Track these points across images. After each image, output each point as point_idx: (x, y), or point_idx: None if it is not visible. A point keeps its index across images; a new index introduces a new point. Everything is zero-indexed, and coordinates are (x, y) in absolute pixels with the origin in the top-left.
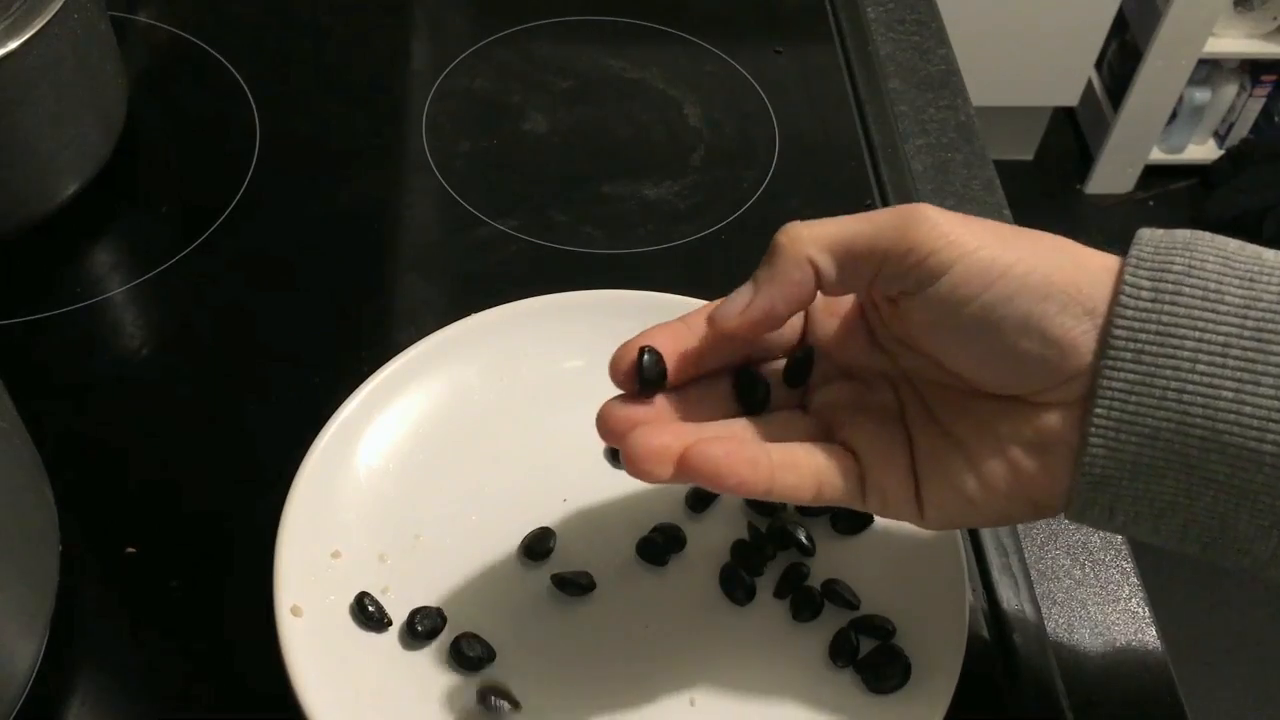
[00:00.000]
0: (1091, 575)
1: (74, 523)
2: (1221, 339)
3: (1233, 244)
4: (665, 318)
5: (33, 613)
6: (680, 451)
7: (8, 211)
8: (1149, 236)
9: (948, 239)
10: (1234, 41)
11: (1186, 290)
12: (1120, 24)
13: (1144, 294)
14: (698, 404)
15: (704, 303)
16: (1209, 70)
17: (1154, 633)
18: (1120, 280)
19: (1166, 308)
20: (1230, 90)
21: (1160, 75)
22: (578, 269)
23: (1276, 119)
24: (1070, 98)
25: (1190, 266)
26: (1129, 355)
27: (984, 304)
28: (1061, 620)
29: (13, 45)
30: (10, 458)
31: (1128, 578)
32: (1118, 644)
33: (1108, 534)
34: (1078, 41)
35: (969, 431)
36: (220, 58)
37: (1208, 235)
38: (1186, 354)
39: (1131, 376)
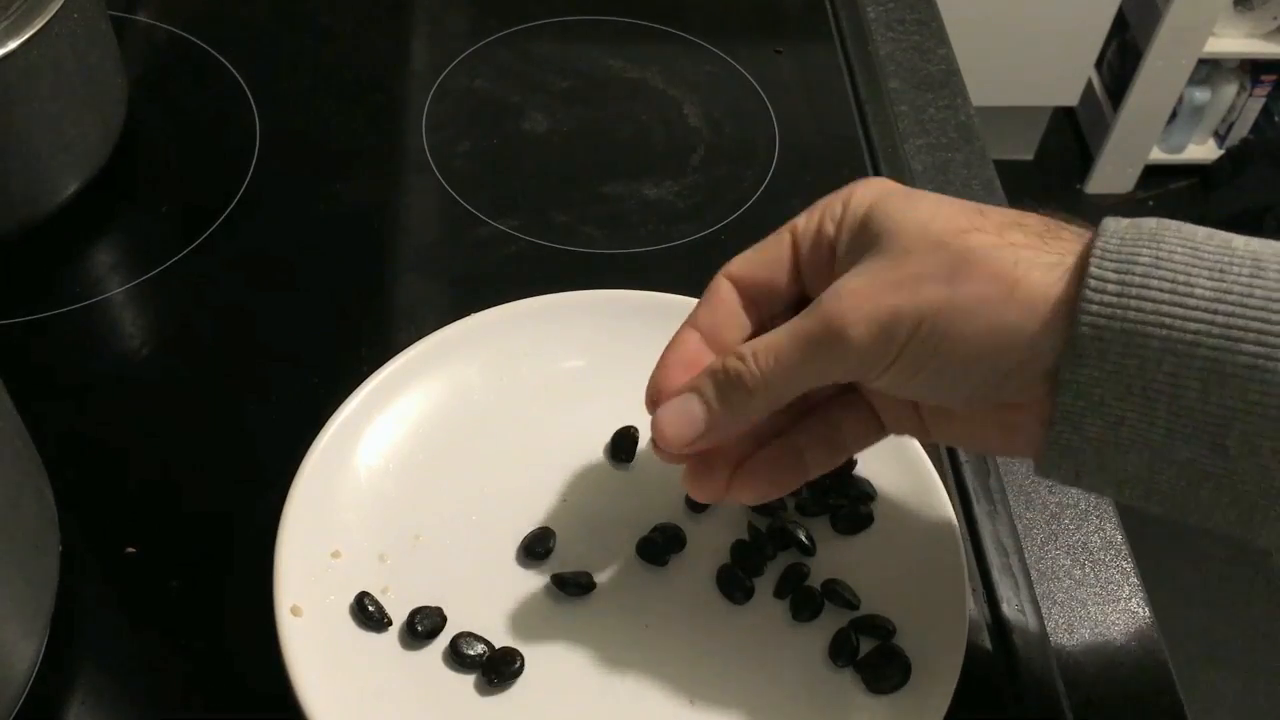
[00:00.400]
0: (1091, 575)
1: (74, 523)
2: (1190, 338)
3: (1201, 233)
4: (665, 318)
5: (33, 613)
6: (727, 481)
7: (8, 211)
8: (1114, 228)
9: (876, 356)
10: (1234, 41)
11: (1154, 284)
12: (1120, 24)
13: (1110, 288)
14: None
15: None
16: (1209, 70)
17: (1154, 633)
18: (1084, 273)
19: (1133, 302)
20: (1230, 90)
21: (1160, 75)
22: (578, 269)
23: (1276, 119)
24: (1070, 98)
25: (1158, 259)
26: (1094, 353)
27: (920, 382)
28: (1061, 620)
29: (13, 45)
30: (10, 458)
31: (1128, 578)
32: (1118, 644)
33: (1108, 534)
34: (1078, 41)
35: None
36: (220, 58)
37: (1174, 225)
38: (1152, 353)
39: (1096, 373)
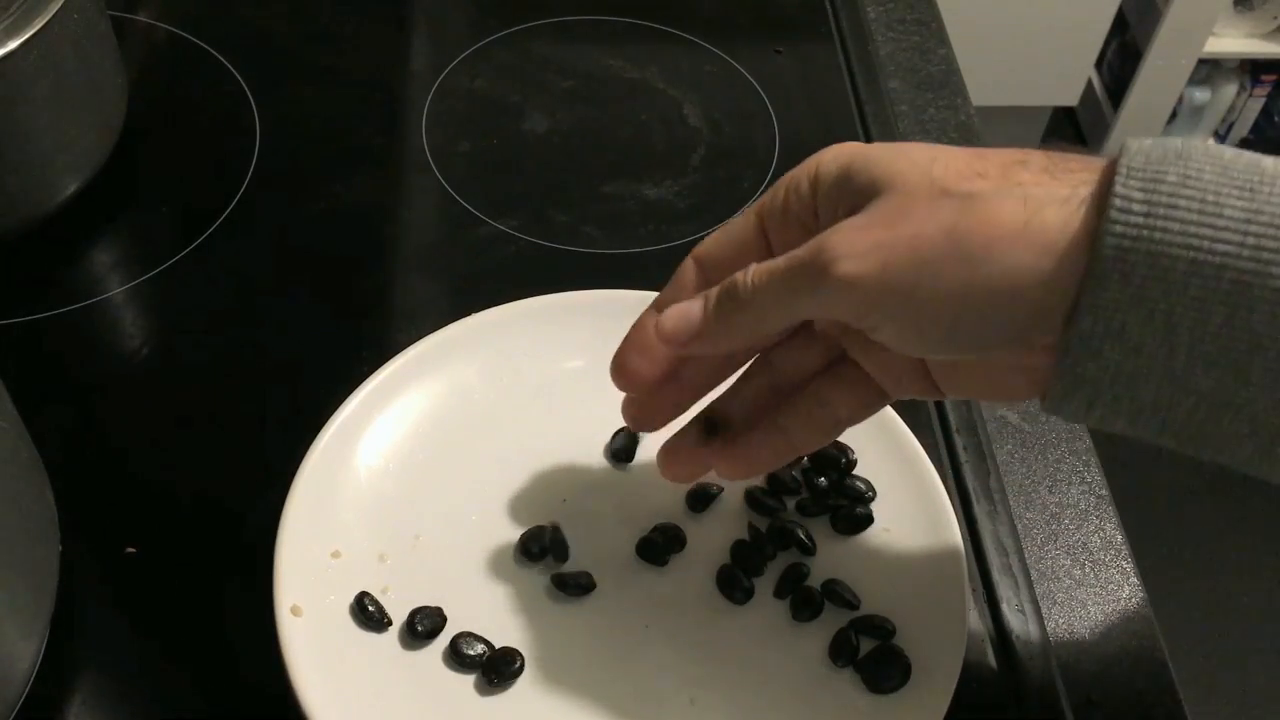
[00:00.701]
0: (1091, 575)
1: (74, 523)
2: (1218, 260)
3: (1229, 152)
4: None
5: (33, 613)
6: (702, 461)
7: (8, 211)
8: (1138, 146)
9: (867, 296)
10: (1234, 41)
11: (1182, 204)
12: (1120, 24)
13: (1135, 208)
14: (715, 369)
15: None
16: (1209, 70)
17: (1154, 633)
18: (1106, 198)
19: (1160, 223)
20: (1230, 90)
21: (1160, 75)
22: (578, 269)
23: (1276, 119)
24: (1070, 98)
25: (1185, 177)
26: (1116, 276)
27: (934, 336)
28: (1061, 620)
29: (13, 45)
30: (10, 458)
31: (1128, 578)
32: (1118, 644)
33: (1108, 534)
34: (1078, 41)
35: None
36: (220, 58)
37: (1201, 144)
38: (1179, 276)
39: (1117, 296)
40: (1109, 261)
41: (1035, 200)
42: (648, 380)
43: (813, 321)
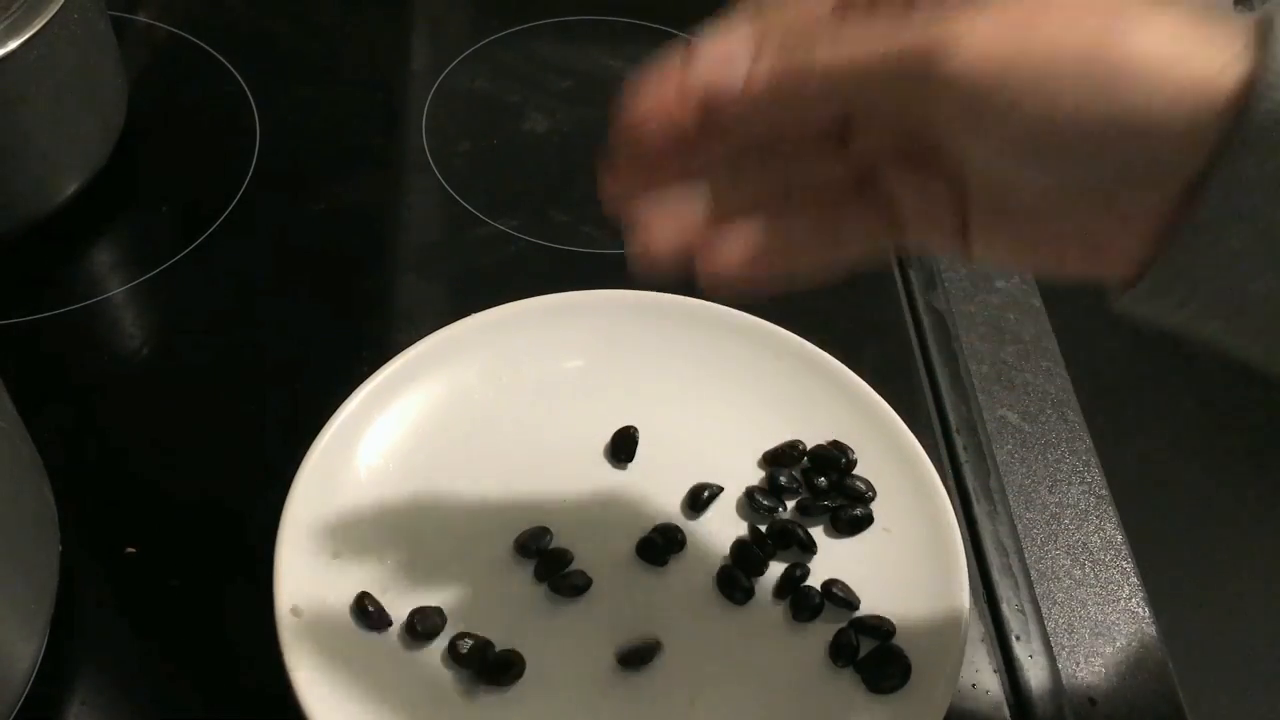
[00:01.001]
0: (1091, 575)
1: (74, 523)
2: None
3: None
4: (665, 318)
5: (33, 613)
6: (690, 246)
7: (8, 211)
8: None
9: (971, 101)
10: None
11: None
12: None
13: None
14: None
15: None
16: None
17: (1154, 633)
18: (1265, 57)
19: None
20: None
21: None
22: (578, 269)
23: None
24: None
25: None
26: (1265, 146)
27: (1032, 164)
28: (1061, 620)
29: (13, 45)
30: (10, 458)
31: (1128, 578)
32: (1118, 644)
33: (1108, 534)
34: None
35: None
36: (220, 58)
37: None
38: None
39: (1256, 172)
40: (1257, 130)
41: (1186, 41)
42: (648, 128)
43: (852, 125)
